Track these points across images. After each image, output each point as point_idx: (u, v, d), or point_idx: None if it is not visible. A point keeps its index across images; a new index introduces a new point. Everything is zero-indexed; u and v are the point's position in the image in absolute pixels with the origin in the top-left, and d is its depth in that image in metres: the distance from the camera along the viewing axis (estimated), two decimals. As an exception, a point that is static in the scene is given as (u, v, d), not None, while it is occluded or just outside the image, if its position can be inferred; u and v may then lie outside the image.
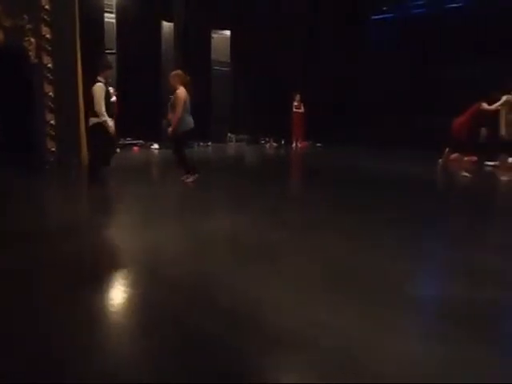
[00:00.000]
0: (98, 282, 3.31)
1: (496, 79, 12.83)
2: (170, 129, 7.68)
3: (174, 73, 7.93)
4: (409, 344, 2.41)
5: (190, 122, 7.65)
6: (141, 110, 13.64)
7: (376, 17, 16.79)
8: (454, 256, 4.15)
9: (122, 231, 4.85)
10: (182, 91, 7.55)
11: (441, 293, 3.26)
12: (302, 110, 15.64)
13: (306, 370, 2.18)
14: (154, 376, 2.09)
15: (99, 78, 6.87)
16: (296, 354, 2.30)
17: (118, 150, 12.07)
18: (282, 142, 16.93)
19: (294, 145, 15.89)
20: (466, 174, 9.61)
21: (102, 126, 6.77)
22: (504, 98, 10.19)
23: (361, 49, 16.46)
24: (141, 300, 3.02)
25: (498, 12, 13.46)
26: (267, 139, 17.11)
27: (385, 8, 16.45)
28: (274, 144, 16.87)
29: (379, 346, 2.37)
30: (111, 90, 9.71)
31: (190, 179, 7.66)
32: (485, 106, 9.99)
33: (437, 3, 15.15)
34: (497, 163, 11.54)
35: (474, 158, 11.81)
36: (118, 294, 3.16)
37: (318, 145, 16.58)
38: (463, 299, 3.06)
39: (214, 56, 16.94)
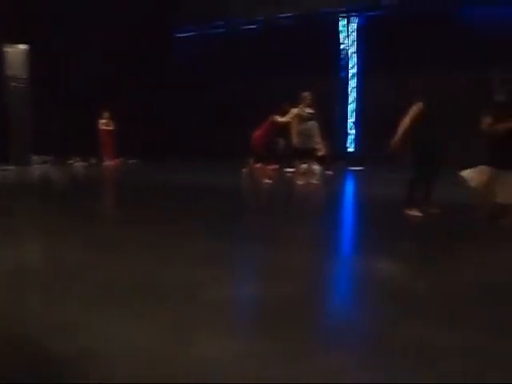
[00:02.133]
0: None
1: (290, 92, 14.24)
2: None
3: None
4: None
5: None
6: None
7: (180, 35, 17.26)
8: (258, 256, 4.36)
9: None
10: None
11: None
12: (111, 127, 15.27)
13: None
14: None
15: None
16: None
17: None
18: (93, 161, 16.26)
19: (105, 163, 15.39)
20: (268, 181, 10.35)
21: None
22: (294, 110, 11.08)
23: (168, 65, 16.74)
24: None
25: (283, 33, 15.01)
26: (76, 159, 16.27)
27: (188, 27, 17.00)
28: (84, 163, 16.12)
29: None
30: None
31: None
32: (277, 118, 10.87)
33: (234, 24, 16.19)
34: (294, 170, 12.67)
35: (276, 166, 12.82)
36: None
37: (132, 161, 16.33)
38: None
39: (9, 72, 15.63)
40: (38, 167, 15.37)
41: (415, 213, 5.95)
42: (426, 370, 2.16)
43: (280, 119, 10.79)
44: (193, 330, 2.63)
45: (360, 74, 15.35)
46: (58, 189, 11.04)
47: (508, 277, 3.76)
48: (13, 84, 15.81)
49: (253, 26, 16.10)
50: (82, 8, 15.72)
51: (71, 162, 16.27)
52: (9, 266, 4.04)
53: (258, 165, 11.80)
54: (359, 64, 15.41)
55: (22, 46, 16.25)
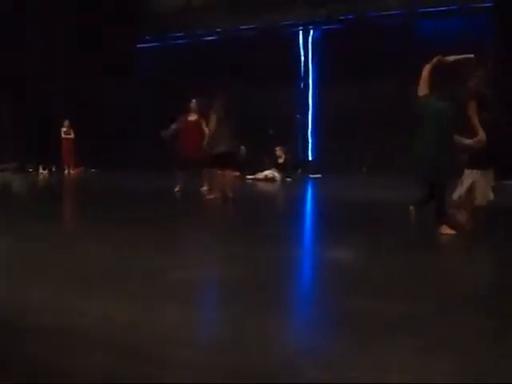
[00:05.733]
0: None
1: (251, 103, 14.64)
2: None
3: None
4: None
5: None
6: None
7: (141, 45, 17.40)
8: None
9: None
10: None
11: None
12: (71, 135, 15.23)
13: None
14: None
15: None
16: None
17: None
18: (53, 169, 16.15)
19: (66, 171, 15.31)
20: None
21: None
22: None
23: (130, 75, 16.77)
24: None
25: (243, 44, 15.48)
26: (36, 167, 16.14)
27: (148, 37, 17.18)
28: (44, 171, 16.00)
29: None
30: None
31: None
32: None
33: (194, 36, 16.54)
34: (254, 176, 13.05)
35: (237, 173, 12.91)
36: None
37: (93, 170, 16.31)
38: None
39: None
40: (-3, 175, 15.17)
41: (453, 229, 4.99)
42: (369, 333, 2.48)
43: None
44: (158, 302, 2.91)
45: (317, 84, 15.88)
46: (17, 194, 10.99)
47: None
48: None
49: (213, 38, 16.45)
50: (45, 19, 15.73)
51: (31, 170, 16.12)
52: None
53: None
54: (316, 75, 15.95)
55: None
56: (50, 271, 3.72)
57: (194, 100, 9.67)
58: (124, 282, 3.39)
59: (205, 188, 9.29)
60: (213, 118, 8.39)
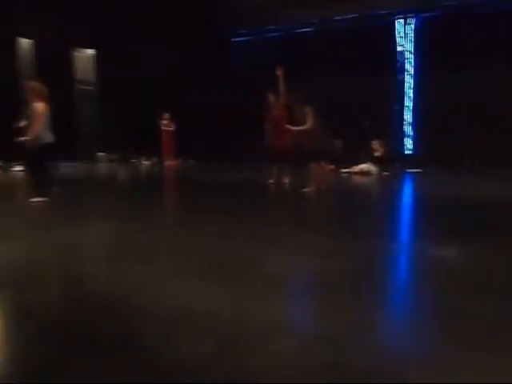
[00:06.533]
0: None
1: (349, 94, 14.39)
2: (26, 141, 6.95)
3: (29, 84, 7.32)
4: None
5: (48, 136, 7.12)
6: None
7: (236, 39, 17.64)
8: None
9: None
10: (40, 105, 7.16)
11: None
12: (171, 128, 15.81)
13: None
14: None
15: None
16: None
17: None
18: (155, 160, 16.95)
19: (166, 162, 15.98)
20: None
21: None
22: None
23: (228, 71, 17.07)
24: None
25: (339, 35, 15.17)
26: (139, 157, 17.02)
27: (243, 31, 17.37)
28: (146, 162, 16.83)
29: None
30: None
31: (38, 199, 6.97)
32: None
33: (288, 28, 16.49)
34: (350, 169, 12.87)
35: (332, 167, 12.81)
36: None
37: (191, 161, 16.87)
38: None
39: (78, 75, 16.56)
40: (103, 165, 16.17)
41: None
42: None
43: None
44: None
45: (417, 75, 15.29)
46: (125, 184, 11.65)
47: None
48: (80, 87, 16.72)
49: (308, 29, 16.32)
50: (142, 15, 16.41)
51: (134, 160, 17.01)
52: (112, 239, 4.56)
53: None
54: (416, 65, 15.35)
55: (90, 51, 17.16)
56: (155, 258, 3.94)
57: (270, 94, 9.63)
58: (227, 271, 3.51)
59: (272, 181, 9.50)
60: (309, 113, 8.40)
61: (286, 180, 9.71)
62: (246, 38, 17.61)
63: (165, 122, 15.74)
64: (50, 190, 7.26)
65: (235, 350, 2.20)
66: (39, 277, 3.45)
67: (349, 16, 15.84)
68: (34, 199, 7.00)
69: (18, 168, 13.23)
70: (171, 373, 2.02)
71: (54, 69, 14.57)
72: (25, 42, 14.76)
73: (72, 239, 4.68)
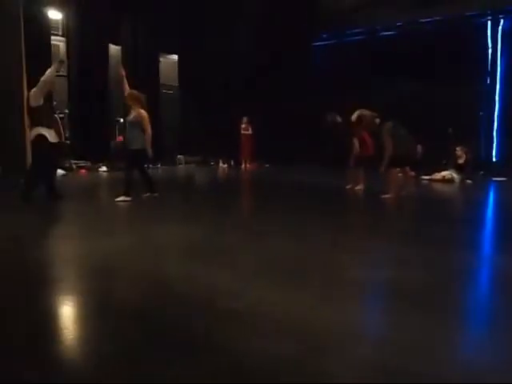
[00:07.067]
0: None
1: (435, 100, 13.94)
2: (149, 148, 7.56)
3: (131, 92, 7.78)
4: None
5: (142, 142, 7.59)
6: (89, 133, 13.69)
7: (319, 43, 17.52)
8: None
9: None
10: (144, 112, 7.53)
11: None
12: (249, 132, 16.07)
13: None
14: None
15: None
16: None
17: (64, 172, 12.05)
18: (232, 163, 17.30)
19: (243, 166, 16.26)
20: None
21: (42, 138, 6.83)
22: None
23: (308, 74, 16.99)
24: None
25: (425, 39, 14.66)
26: (217, 160, 17.46)
27: (324, 35, 17.26)
28: (224, 165, 17.23)
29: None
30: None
31: (123, 199, 7.42)
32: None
33: (372, 32, 16.17)
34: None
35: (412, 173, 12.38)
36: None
37: (266, 165, 17.04)
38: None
39: (162, 80, 17.27)
40: (184, 167, 16.75)
41: None
42: None
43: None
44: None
45: (507, 79, 14.49)
46: (208, 186, 12.07)
47: None
48: (164, 91, 17.43)
49: (392, 33, 15.94)
50: (223, 21, 16.77)
51: (212, 163, 17.47)
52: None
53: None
54: (506, 68, 14.55)
55: (173, 56, 17.84)
56: (235, 259, 4.09)
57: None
58: (309, 276, 3.61)
59: (359, 187, 9.54)
60: (385, 133, 8.26)
61: (364, 186, 9.62)
62: (328, 42, 17.43)
63: (243, 125, 16.02)
64: (151, 194, 7.70)
65: (315, 351, 2.27)
66: (130, 278, 3.67)
67: (435, 18, 15.29)
68: (119, 198, 7.44)
69: (103, 169, 14.03)
70: (253, 372, 2.08)
71: (141, 74, 15.35)
72: (114, 49, 15.64)
73: (162, 239, 4.95)
